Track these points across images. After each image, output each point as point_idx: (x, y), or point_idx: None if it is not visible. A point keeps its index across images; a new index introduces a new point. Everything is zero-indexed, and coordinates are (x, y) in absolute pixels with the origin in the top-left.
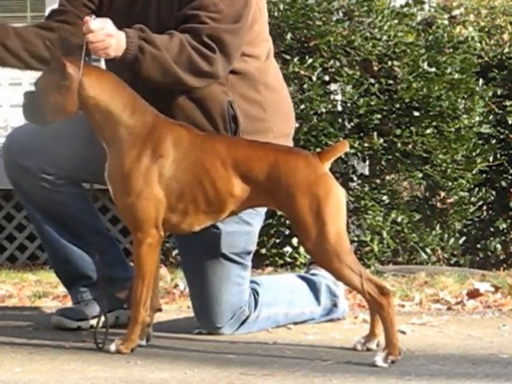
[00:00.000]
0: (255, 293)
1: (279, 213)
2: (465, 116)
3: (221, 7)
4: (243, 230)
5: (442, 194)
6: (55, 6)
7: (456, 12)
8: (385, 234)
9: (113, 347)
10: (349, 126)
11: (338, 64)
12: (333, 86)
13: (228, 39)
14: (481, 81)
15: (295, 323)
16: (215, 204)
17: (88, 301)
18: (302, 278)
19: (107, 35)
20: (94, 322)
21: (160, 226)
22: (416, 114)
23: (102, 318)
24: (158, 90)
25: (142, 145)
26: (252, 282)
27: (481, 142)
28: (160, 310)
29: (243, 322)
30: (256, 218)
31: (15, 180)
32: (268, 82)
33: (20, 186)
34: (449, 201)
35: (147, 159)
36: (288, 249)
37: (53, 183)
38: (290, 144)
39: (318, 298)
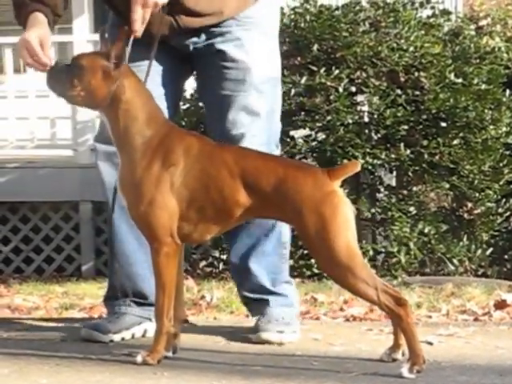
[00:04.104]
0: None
1: None
2: (492, 127)
3: None
4: None
5: (469, 204)
6: None
7: (483, 22)
8: (412, 245)
9: (139, 359)
10: (375, 137)
11: (364, 75)
12: (359, 97)
13: None
14: (508, 91)
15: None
16: (223, 212)
17: (120, 314)
18: None
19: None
20: (124, 335)
21: (175, 235)
22: (443, 124)
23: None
24: None
25: (152, 154)
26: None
27: (508, 152)
28: (186, 321)
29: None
30: None
31: None
32: None
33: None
34: (476, 212)
35: (158, 168)
36: None
37: None
38: None
39: None
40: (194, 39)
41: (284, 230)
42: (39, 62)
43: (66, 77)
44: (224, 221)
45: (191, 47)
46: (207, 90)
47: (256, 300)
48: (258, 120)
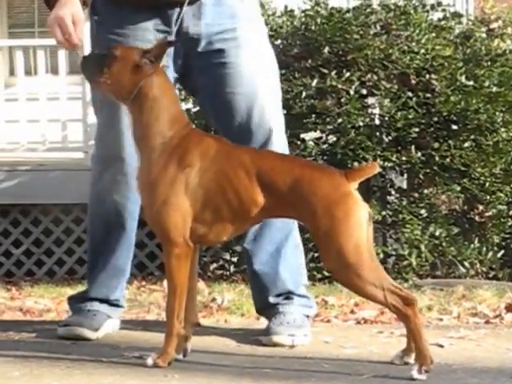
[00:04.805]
0: None
1: None
2: (503, 129)
3: None
4: None
5: (481, 207)
6: None
7: (494, 25)
8: (423, 247)
9: (150, 361)
10: (386, 140)
11: (375, 77)
12: (370, 100)
13: None
14: None
15: None
16: (240, 212)
17: (94, 311)
18: None
19: None
20: (103, 331)
21: (187, 237)
22: (454, 127)
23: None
24: None
25: (169, 155)
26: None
27: None
28: (198, 324)
29: None
30: None
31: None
32: None
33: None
34: (487, 214)
35: (174, 169)
36: None
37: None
38: None
39: None
40: (204, 30)
41: (295, 233)
42: (70, 42)
43: (97, 64)
44: (241, 221)
45: (203, 42)
46: (218, 92)
47: (276, 304)
48: (278, 111)
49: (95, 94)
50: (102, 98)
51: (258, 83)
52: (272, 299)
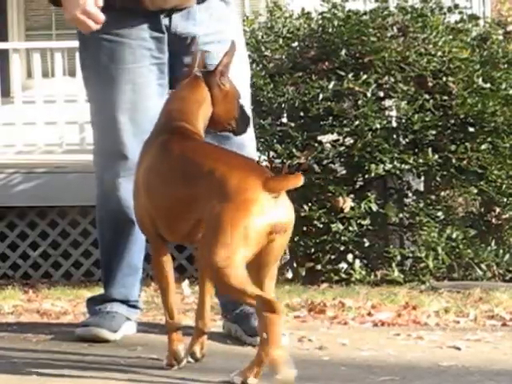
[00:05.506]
0: None
1: (334, 229)
2: None
3: None
4: None
5: (497, 209)
6: None
7: (510, 27)
8: (440, 249)
9: (164, 362)
10: (403, 142)
11: (392, 80)
12: (387, 102)
13: None
14: None
15: None
16: (173, 209)
17: (113, 313)
18: None
19: None
20: (121, 333)
21: (153, 232)
22: (471, 129)
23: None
24: None
25: (139, 156)
26: None
27: None
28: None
29: None
30: None
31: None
32: None
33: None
34: (504, 216)
35: (137, 171)
36: (343, 265)
37: None
38: None
39: None
40: (192, 30)
41: None
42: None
43: None
44: (178, 219)
45: (189, 41)
46: None
47: None
48: (251, 116)
49: (91, 95)
50: (100, 99)
51: (239, 88)
52: None
